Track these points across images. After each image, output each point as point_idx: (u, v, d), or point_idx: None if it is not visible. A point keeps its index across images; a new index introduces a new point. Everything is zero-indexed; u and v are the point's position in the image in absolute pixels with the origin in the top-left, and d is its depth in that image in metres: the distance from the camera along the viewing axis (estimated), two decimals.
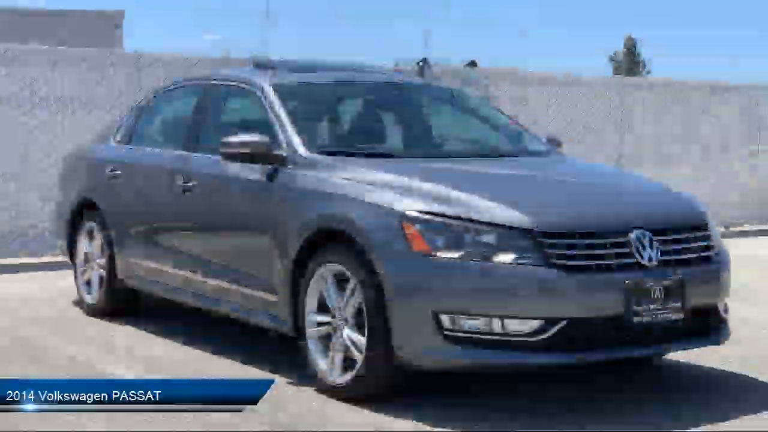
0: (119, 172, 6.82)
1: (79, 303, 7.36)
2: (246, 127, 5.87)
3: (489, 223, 4.61)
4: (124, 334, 6.53)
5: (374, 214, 4.79)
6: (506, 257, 4.55)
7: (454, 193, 4.80)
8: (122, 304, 7.03)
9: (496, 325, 4.53)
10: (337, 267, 4.95)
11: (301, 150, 5.42)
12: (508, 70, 12.45)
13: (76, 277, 7.39)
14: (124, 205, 6.76)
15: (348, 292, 4.90)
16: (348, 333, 4.91)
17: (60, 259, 8.17)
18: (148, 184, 6.55)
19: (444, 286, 4.55)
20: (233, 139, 5.47)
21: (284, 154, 5.44)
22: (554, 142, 6.36)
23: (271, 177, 5.43)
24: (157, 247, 6.41)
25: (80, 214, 7.29)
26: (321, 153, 5.40)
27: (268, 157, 5.43)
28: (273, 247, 5.31)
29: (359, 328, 4.86)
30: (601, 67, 63.41)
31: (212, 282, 5.86)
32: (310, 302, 5.11)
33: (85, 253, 7.26)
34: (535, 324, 4.53)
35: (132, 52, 10.65)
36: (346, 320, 4.93)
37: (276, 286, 5.32)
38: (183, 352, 6.01)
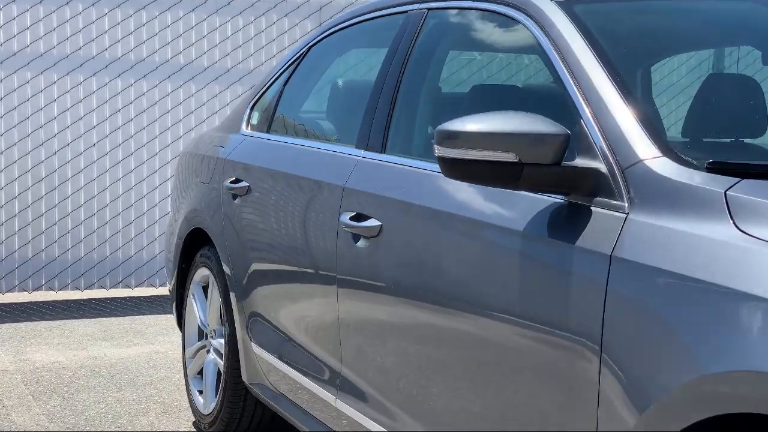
0: (246, 184, 3.62)
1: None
2: (498, 100, 2.56)
3: None
4: None
5: None
6: None
7: None
8: (251, 425, 3.86)
9: None
10: None
11: (653, 159, 2.03)
12: None
13: (184, 362, 4.29)
14: (253, 247, 3.57)
15: None
16: None
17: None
18: (292, 212, 3.32)
19: None
20: (466, 127, 2.13)
21: (603, 169, 2.08)
22: None
23: (565, 224, 2.09)
24: (308, 345, 3.18)
25: (192, 252, 4.18)
26: (707, 169, 1.98)
27: (558, 173, 2.09)
28: (580, 409, 1.97)
29: None
30: None
31: None
32: None
33: (199, 325, 4.15)
34: None
35: None
36: None
37: None
38: None
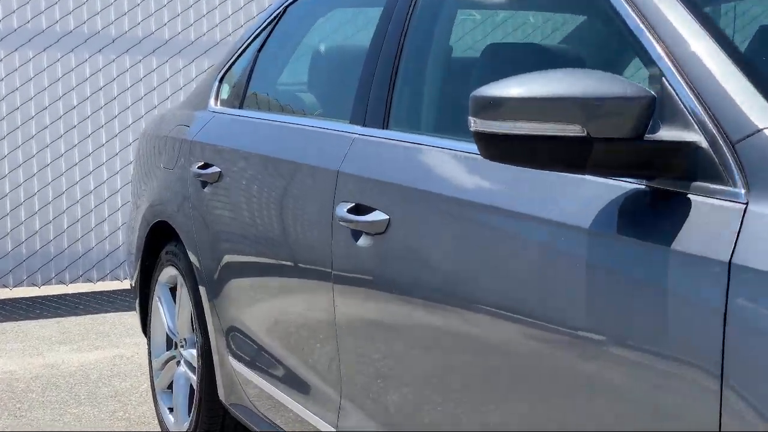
0: (217, 169, 3.06)
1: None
2: (536, 61, 2.05)
3: None
4: None
5: None
6: None
7: None
8: None
9: None
10: None
11: None
12: None
13: (151, 372, 3.74)
14: (227, 244, 3.02)
15: None
16: None
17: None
18: (273, 202, 2.78)
19: None
20: (513, 91, 1.58)
21: (702, 143, 1.54)
22: None
23: (651, 218, 1.57)
24: (297, 363, 2.65)
25: (157, 249, 3.63)
26: None
27: (639, 150, 1.55)
28: None
29: None
30: None
31: None
32: None
33: (167, 332, 3.60)
34: None
35: None
36: None
37: None
38: None
